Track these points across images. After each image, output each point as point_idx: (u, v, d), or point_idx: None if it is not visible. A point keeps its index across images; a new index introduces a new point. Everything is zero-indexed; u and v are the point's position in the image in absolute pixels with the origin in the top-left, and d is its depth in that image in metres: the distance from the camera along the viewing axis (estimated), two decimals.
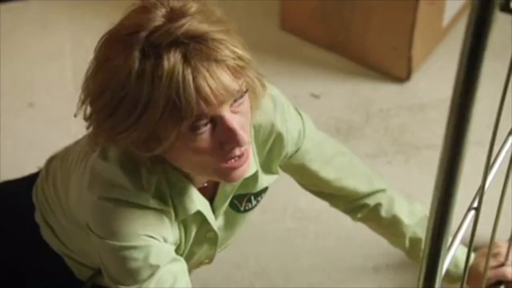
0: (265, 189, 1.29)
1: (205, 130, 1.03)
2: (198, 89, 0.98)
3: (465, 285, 1.07)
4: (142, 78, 0.99)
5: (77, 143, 1.29)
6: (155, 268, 1.12)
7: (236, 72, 1.01)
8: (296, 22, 2.21)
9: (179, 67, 0.98)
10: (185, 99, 0.98)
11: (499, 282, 1.50)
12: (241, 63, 1.02)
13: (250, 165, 1.11)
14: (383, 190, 1.44)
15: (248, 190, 1.26)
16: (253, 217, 1.60)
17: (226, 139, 1.04)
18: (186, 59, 0.98)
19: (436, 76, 2.11)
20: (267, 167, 1.26)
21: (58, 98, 1.99)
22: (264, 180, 1.26)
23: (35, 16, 2.32)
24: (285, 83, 2.11)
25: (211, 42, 0.99)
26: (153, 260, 1.11)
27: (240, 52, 1.02)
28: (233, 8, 2.26)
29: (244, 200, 1.27)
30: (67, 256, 1.35)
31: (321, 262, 1.73)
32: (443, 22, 2.13)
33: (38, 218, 1.34)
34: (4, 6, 2.33)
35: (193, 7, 1.03)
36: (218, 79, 0.99)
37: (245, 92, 1.05)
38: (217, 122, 1.03)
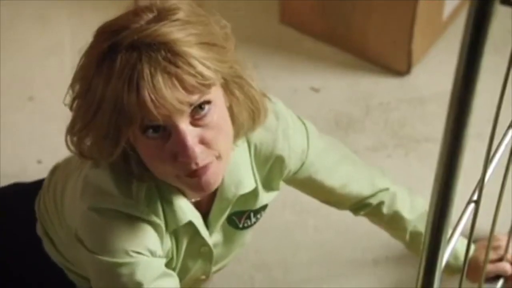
0: (265, 206, 1.27)
1: (158, 137, 1.01)
2: (139, 97, 0.96)
3: (464, 277, 1.08)
4: (100, 74, 0.99)
5: None
6: (140, 285, 1.11)
7: (193, 87, 0.98)
8: (296, 15, 2.21)
9: (128, 70, 0.97)
10: (128, 103, 0.97)
11: (498, 276, 1.51)
12: (200, 80, 0.98)
13: (218, 179, 1.07)
14: (386, 189, 1.44)
15: (248, 207, 1.24)
16: None
17: (178, 151, 1.01)
18: (135, 64, 0.96)
19: (436, 70, 2.11)
20: (267, 185, 1.24)
21: (58, 93, 1.98)
22: (265, 197, 1.25)
23: (35, 11, 2.32)
24: (285, 77, 2.11)
25: (166, 52, 0.97)
26: (139, 277, 1.11)
27: (201, 68, 0.98)
28: (232, 2, 2.26)
29: (243, 217, 1.26)
30: (67, 269, 1.35)
31: (321, 255, 1.73)
32: (443, 16, 2.12)
33: (39, 231, 1.33)
34: (4, 1, 2.33)
35: (179, 14, 1.00)
36: (160, 91, 0.96)
37: (205, 103, 1.01)
38: (172, 132, 1.01)
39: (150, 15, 1.00)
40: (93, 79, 1.00)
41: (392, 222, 1.47)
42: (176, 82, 0.97)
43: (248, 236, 1.32)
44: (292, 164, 1.24)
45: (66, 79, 1.09)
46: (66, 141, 1.10)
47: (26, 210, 1.35)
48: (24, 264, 1.36)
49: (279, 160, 1.22)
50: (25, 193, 1.39)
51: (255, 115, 1.11)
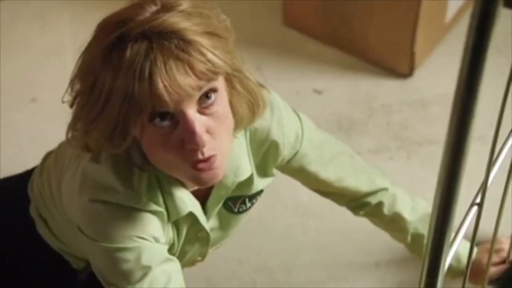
0: (260, 192, 1.28)
1: (166, 125, 1.02)
2: (152, 84, 0.98)
3: (467, 280, 1.07)
4: (108, 66, 1.00)
5: None
6: (147, 269, 1.12)
7: (203, 74, 1.00)
8: (299, 17, 2.21)
9: (140, 59, 0.98)
10: (140, 91, 0.98)
11: (501, 278, 1.50)
12: (210, 67, 1.00)
13: (223, 171, 1.08)
14: (385, 189, 1.44)
15: (243, 192, 1.25)
16: (255, 213, 1.60)
17: (185, 138, 1.02)
18: (147, 53, 0.98)
19: (438, 72, 2.11)
20: (262, 171, 1.25)
21: (60, 94, 1.99)
22: (260, 183, 1.26)
23: (36, 12, 2.32)
24: (288, 78, 2.11)
25: (178, 41, 0.98)
26: (145, 261, 1.12)
27: (211, 56, 1.00)
28: (236, 3, 2.26)
29: (239, 202, 1.27)
30: (62, 250, 1.35)
31: (323, 257, 1.73)
32: (446, 18, 2.12)
33: (33, 212, 1.34)
34: (6, 2, 2.33)
35: (183, 5, 1.02)
36: (173, 78, 0.98)
37: (211, 92, 1.02)
38: (180, 119, 1.02)
39: (154, 8, 1.02)
40: (100, 72, 1.01)
41: (393, 223, 1.47)
42: (188, 69, 0.99)
43: (244, 219, 1.33)
44: (286, 151, 1.26)
45: (67, 80, 1.09)
46: (67, 137, 1.10)
47: (19, 194, 1.35)
48: (18, 245, 1.37)
49: (274, 145, 1.23)
50: (13, 182, 1.41)
51: (255, 108, 1.13)
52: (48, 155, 1.35)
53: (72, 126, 1.09)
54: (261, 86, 1.15)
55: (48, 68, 2.15)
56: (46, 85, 2.10)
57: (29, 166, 1.43)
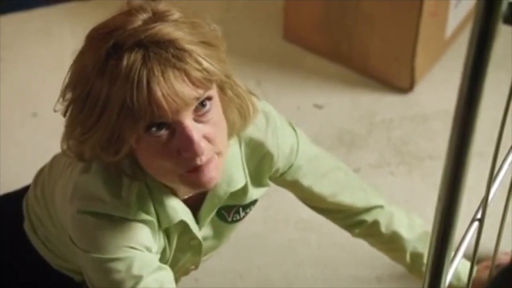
0: (254, 202, 1.28)
1: (162, 134, 1.03)
2: (150, 93, 0.98)
3: None
4: (103, 75, 1.00)
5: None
6: (138, 279, 1.12)
7: (199, 82, 1.01)
8: (299, 32, 2.21)
9: (137, 68, 0.98)
10: (138, 101, 0.99)
11: None
12: (206, 75, 1.01)
13: (219, 174, 1.10)
14: (380, 206, 1.44)
15: (237, 201, 1.26)
16: (256, 227, 1.60)
17: (183, 147, 1.04)
18: (144, 61, 0.99)
19: (439, 87, 2.11)
20: (256, 180, 1.26)
21: (61, 109, 1.99)
22: (254, 192, 1.26)
23: (38, 26, 2.32)
24: (288, 93, 2.11)
25: (174, 50, 1.00)
26: (136, 271, 1.12)
27: (206, 64, 1.01)
28: (236, 19, 2.27)
29: (232, 211, 1.27)
30: (60, 266, 1.35)
31: (324, 272, 1.73)
32: (446, 33, 2.13)
33: (27, 228, 1.34)
34: (7, 17, 2.34)
35: (175, 15, 1.03)
36: (171, 86, 0.99)
37: (206, 100, 1.04)
38: (176, 129, 1.03)
39: (145, 15, 1.03)
40: (96, 81, 1.01)
41: (391, 243, 1.46)
42: (185, 78, 1.00)
43: (237, 229, 1.33)
44: (280, 163, 1.26)
45: None
46: (62, 146, 1.11)
47: (16, 211, 1.35)
48: (17, 263, 1.36)
49: (269, 156, 1.24)
50: (14, 196, 1.40)
51: (245, 113, 1.14)
52: (41, 170, 1.36)
53: (68, 134, 1.09)
54: (251, 93, 1.17)
55: (49, 82, 2.15)
56: (47, 100, 2.08)
57: (30, 181, 1.43)
